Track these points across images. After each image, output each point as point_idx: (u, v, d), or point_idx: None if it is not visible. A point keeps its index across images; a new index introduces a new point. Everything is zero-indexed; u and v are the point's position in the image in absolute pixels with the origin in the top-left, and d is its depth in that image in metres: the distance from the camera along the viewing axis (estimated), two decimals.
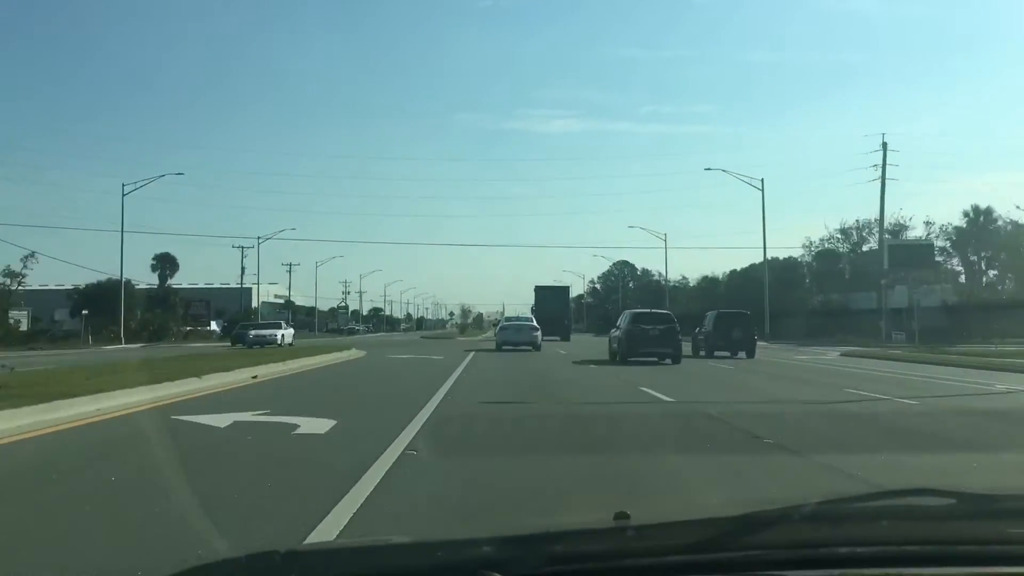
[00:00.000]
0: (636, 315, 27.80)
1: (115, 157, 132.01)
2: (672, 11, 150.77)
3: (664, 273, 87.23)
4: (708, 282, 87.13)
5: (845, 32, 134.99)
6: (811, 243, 76.06)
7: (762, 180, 57.05)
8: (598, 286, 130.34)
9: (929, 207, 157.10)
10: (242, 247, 77.94)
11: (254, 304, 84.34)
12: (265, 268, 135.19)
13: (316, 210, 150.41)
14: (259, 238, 78.95)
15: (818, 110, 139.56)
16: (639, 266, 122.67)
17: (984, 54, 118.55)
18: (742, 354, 29.72)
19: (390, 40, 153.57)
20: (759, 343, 32.41)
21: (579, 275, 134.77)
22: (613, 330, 28.91)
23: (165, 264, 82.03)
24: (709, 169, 57.88)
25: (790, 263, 75.94)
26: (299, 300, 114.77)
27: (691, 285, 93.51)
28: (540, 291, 64.37)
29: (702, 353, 31.02)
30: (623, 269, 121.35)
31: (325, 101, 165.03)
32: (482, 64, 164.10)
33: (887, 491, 1.96)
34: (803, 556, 1.70)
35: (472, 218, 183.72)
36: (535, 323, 38.52)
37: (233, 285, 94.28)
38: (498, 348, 35.68)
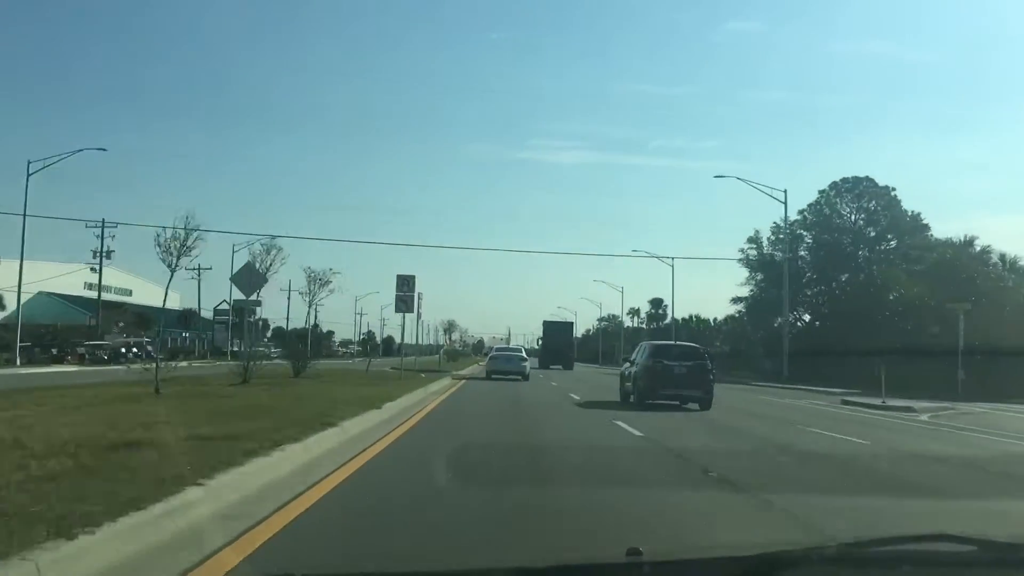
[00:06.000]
0: (656, 348, 23.63)
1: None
2: (693, 52, 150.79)
3: (671, 304, 69.17)
4: None
5: (861, 76, 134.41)
6: None
7: (784, 191, 45.94)
8: (772, 251, 58.40)
9: None
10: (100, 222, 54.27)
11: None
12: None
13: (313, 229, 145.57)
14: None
15: (827, 150, 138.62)
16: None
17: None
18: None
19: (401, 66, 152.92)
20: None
21: (596, 303, 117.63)
22: (626, 365, 24.56)
23: None
24: (720, 176, 50.65)
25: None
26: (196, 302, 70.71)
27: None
28: (547, 325, 73.57)
29: None
30: (854, 195, 58.84)
31: (338, 126, 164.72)
32: (496, 95, 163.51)
33: (908, 536, 1.94)
34: None
35: (481, 239, 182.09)
36: (523, 354, 41.41)
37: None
38: (488, 376, 37.36)
